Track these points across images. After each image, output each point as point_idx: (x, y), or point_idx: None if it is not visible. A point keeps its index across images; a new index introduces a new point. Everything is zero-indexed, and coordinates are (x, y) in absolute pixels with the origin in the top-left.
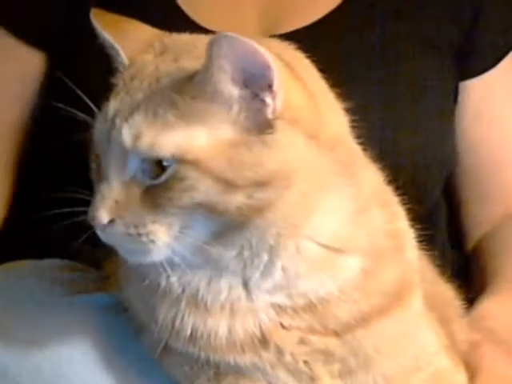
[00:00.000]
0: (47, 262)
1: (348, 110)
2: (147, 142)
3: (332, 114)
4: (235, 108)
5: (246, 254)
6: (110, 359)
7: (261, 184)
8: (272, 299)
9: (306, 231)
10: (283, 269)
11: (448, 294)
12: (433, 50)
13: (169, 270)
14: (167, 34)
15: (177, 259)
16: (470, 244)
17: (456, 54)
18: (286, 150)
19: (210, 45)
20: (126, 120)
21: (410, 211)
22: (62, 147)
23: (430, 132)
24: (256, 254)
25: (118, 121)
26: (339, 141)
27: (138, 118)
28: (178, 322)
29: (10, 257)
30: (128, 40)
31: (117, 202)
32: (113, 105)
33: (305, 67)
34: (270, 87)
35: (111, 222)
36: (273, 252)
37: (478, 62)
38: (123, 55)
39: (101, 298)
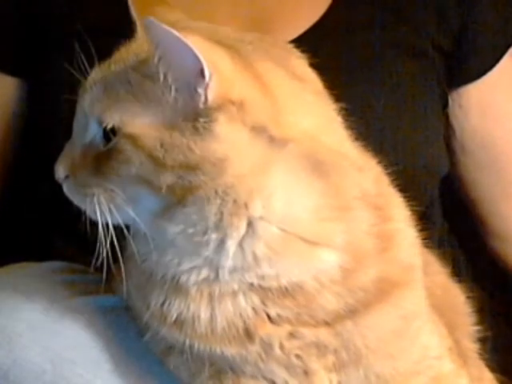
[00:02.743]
0: (47, 265)
1: (346, 111)
2: (99, 110)
3: (299, 113)
4: (173, 93)
5: (190, 230)
6: (111, 361)
7: (190, 167)
8: (243, 278)
9: (255, 212)
10: (239, 248)
11: (458, 299)
12: (422, 56)
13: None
14: (189, 20)
15: (134, 231)
16: (500, 238)
17: (449, 60)
18: (219, 139)
19: (144, 30)
20: (91, 87)
21: (409, 210)
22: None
23: (430, 132)
24: (202, 231)
25: (87, 86)
26: (305, 137)
27: (99, 87)
28: (165, 306)
29: (8, 259)
30: (157, 17)
31: (74, 160)
32: (93, 73)
33: (279, 65)
34: (202, 76)
35: (67, 177)
36: (220, 230)
37: (477, 65)
38: (138, 32)
39: (102, 299)
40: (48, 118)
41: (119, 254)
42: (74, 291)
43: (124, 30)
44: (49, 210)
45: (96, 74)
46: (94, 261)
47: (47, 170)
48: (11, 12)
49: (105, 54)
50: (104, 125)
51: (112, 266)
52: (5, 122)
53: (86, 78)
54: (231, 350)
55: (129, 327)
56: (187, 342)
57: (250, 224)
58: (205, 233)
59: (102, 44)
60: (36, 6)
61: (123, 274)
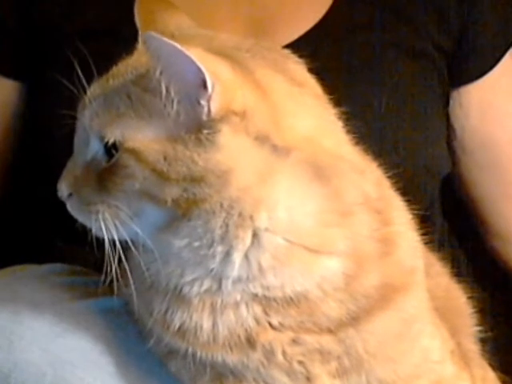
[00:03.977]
0: (48, 267)
1: (347, 114)
2: (99, 125)
3: (299, 117)
4: (175, 105)
5: (196, 244)
6: (112, 363)
7: (194, 180)
8: (247, 289)
9: (261, 224)
10: (245, 259)
11: (460, 300)
12: (423, 56)
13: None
14: (190, 25)
15: (138, 243)
16: (500, 238)
17: (449, 60)
18: (223, 150)
19: (144, 44)
20: (90, 103)
21: (410, 212)
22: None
23: (430, 133)
24: (207, 244)
25: (87, 102)
26: (306, 142)
27: (99, 103)
28: (168, 315)
29: (9, 260)
30: (157, 25)
31: (76, 178)
32: (92, 88)
33: (277, 71)
34: (204, 88)
35: (70, 195)
36: (226, 242)
37: (477, 65)
38: (139, 42)
39: (102, 301)
40: (47, 119)
41: (123, 257)
42: (74, 293)
43: (124, 30)
44: (49, 211)
45: (95, 89)
46: (103, 277)
47: (47, 171)
48: (10, 14)
49: (105, 55)
50: (105, 140)
51: (118, 272)
52: (4, 123)
53: (86, 89)
54: (232, 358)
55: (129, 329)
56: (190, 349)
57: (255, 235)
58: (210, 246)
59: (102, 45)
60: (35, 8)
61: (127, 278)
